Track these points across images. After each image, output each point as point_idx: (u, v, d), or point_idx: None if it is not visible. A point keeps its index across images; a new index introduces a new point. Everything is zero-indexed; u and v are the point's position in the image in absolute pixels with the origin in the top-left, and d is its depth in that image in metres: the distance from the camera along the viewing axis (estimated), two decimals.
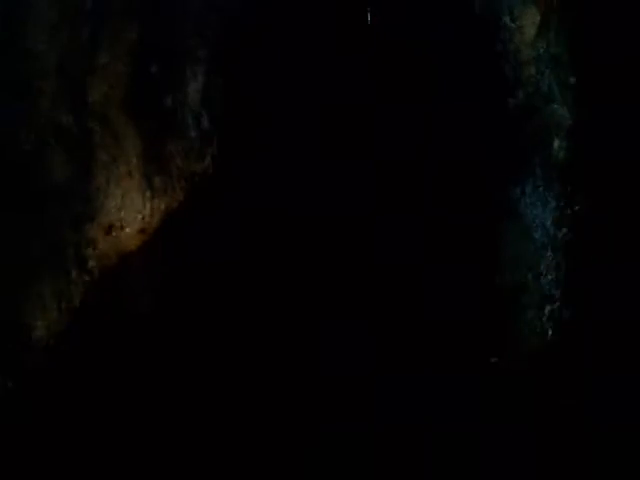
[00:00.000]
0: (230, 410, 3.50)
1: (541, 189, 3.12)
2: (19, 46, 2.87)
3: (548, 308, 3.12)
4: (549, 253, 3.11)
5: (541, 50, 2.98)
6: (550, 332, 3.10)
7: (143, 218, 4.12)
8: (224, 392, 3.52)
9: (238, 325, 3.74)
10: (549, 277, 3.13)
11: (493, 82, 3.33)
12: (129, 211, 3.93)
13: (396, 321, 3.64)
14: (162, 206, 4.45)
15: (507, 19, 3.09)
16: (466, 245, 3.92)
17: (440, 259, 4.12)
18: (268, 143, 6.86)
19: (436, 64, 4.41)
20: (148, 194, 4.23)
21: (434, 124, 4.65)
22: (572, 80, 2.75)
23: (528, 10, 2.99)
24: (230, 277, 4.11)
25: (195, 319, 3.83)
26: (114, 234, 3.70)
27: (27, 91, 3.00)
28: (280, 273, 4.11)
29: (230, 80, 6.42)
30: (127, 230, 3.87)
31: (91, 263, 3.45)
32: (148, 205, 4.21)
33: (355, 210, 4.09)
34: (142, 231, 4.07)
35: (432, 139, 4.58)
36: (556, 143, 2.99)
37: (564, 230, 3.00)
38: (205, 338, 3.70)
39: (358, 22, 7.28)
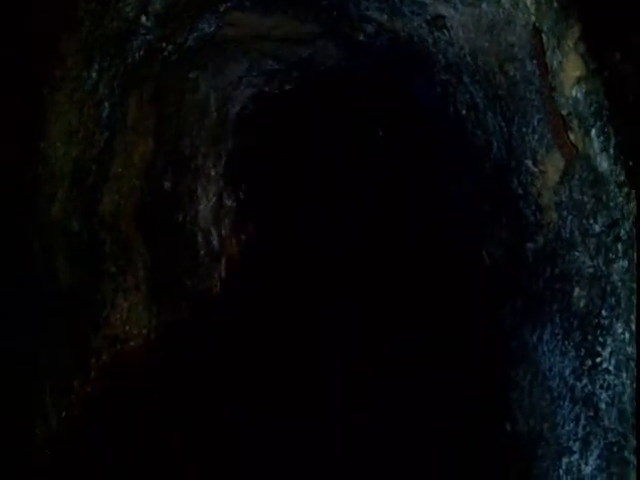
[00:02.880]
0: None
1: (560, 337, 2.92)
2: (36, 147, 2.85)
3: (565, 461, 2.86)
4: (567, 404, 2.85)
5: (564, 196, 2.76)
6: None
7: (148, 333, 4.00)
8: None
9: None
10: (566, 429, 2.87)
11: (512, 225, 3.24)
12: (134, 325, 3.82)
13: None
14: (167, 323, 4.34)
15: (529, 163, 2.99)
16: (476, 387, 3.76)
17: (448, 398, 4.04)
18: (275, 266, 6.82)
19: (455, 203, 4.42)
20: (154, 309, 4.13)
21: (452, 266, 4.63)
22: (596, 228, 2.57)
23: (552, 155, 2.77)
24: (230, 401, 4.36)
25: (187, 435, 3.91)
26: (118, 347, 3.58)
27: (39, 194, 2.95)
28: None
29: (241, 202, 6.47)
30: (131, 344, 3.75)
31: (93, 374, 3.31)
32: (154, 320, 4.11)
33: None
34: (145, 346, 3.94)
35: (450, 280, 4.54)
36: (576, 291, 2.78)
37: (584, 381, 2.73)
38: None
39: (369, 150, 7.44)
